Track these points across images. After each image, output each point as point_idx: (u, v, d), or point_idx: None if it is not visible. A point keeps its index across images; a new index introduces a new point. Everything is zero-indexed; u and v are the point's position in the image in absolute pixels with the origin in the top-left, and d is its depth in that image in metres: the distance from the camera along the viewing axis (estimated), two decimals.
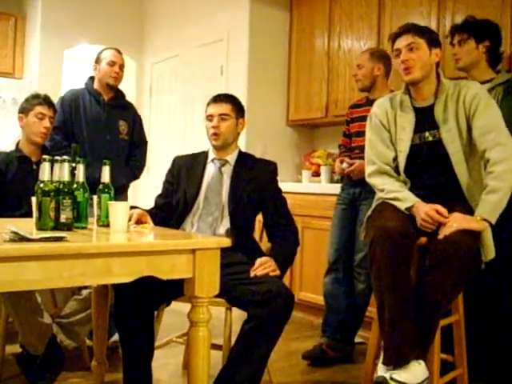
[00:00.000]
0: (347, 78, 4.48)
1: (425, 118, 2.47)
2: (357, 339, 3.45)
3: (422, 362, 2.16)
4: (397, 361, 2.16)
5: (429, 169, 2.48)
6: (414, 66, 2.45)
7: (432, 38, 2.48)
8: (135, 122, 3.66)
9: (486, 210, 2.24)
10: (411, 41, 2.45)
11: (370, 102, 3.30)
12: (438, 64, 2.51)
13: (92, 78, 3.58)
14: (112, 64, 3.48)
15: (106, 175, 2.36)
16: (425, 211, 2.28)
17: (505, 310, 2.85)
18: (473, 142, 2.40)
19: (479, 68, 2.93)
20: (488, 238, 2.32)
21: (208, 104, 2.74)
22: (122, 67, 3.53)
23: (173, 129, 5.88)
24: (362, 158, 3.00)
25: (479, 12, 3.38)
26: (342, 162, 3.35)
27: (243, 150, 2.90)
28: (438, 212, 2.27)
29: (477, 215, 2.24)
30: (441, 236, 2.20)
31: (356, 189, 3.31)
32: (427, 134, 2.46)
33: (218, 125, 2.66)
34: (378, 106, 2.61)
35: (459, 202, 2.38)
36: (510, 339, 2.83)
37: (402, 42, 2.48)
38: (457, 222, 2.20)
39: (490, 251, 2.33)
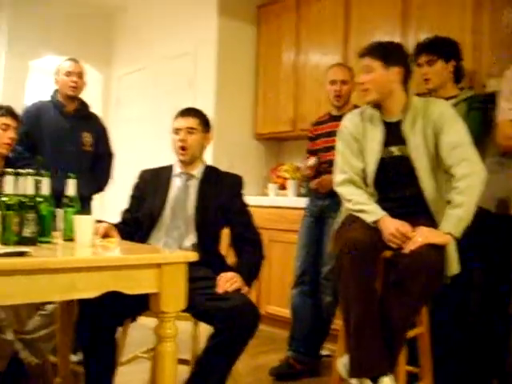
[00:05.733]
0: (314, 92, 4.53)
1: (393, 133, 2.50)
2: (323, 352, 3.46)
3: (390, 376, 2.18)
4: (362, 374, 2.17)
5: (395, 182, 2.51)
6: (370, 89, 2.48)
7: (390, 58, 2.45)
8: (100, 134, 3.65)
9: (451, 225, 2.28)
10: (367, 63, 2.48)
11: (333, 118, 3.34)
12: (406, 80, 2.51)
13: (56, 91, 3.59)
14: (68, 74, 3.50)
15: (71, 188, 2.33)
16: (396, 227, 2.30)
17: (472, 320, 2.91)
18: (439, 158, 2.43)
19: (446, 87, 2.98)
20: (452, 253, 2.35)
21: (175, 118, 2.74)
22: (80, 75, 3.54)
23: (140, 142, 5.85)
24: (329, 172, 3.04)
25: (441, 30, 3.45)
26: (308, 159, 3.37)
27: (210, 163, 2.90)
28: (405, 227, 2.29)
29: (441, 229, 2.28)
30: (406, 250, 2.22)
31: (324, 201, 3.33)
32: (393, 148, 2.49)
33: (185, 138, 2.66)
34: (349, 119, 2.62)
35: (423, 215, 2.42)
36: (475, 349, 2.88)
37: (360, 64, 2.53)
38: (422, 236, 2.23)
39: (454, 266, 2.37)
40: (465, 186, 2.31)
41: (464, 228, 2.30)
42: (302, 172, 3.45)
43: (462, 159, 2.34)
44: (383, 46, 2.53)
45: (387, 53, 2.47)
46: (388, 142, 2.50)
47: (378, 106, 2.53)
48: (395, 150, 2.49)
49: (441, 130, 2.41)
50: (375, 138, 2.50)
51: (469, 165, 2.34)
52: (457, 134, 2.40)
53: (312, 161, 3.34)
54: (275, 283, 4.27)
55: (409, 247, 2.22)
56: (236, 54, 5.01)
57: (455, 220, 2.28)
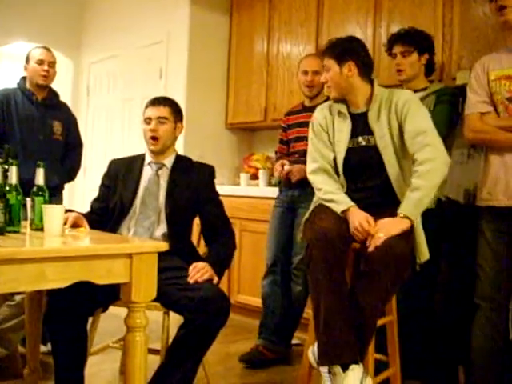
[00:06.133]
0: (286, 82, 4.54)
1: (360, 124, 2.53)
2: (294, 341, 3.49)
3: (360, 364, 2.20)
4: (332, 361, 2.20)
5: (364, 172, 2.54)
6: (331, 87, 2.57)
7: (342, 54, 2.51)
8: (70, 123, 3.61)
9: (408, 207, 2.32)
10: (324, 63, 2.57)
11: (306, 109, 3.36)
12: (365, 71, 2.54)
13: (24, 78, 3.52)
14: (40, 63, 3.43)
15: (40, 177, 2.30)
16: (359, 222, 2.32)
17: (439, 309, 2.97)
18: (405, 147, 2.47)
19: (418, 79, 3.02)
20: (421, 241, 2.41)
21: (146, 107, 2.72)
22: (51, 64, 3.48)
23: (110, 131, 5.80)
24: (301, 162, 3.05)
25: (413, 23, 3.48)
26: (282, 166, 3.37)
27: (181, 152, 2.89)
28: (368, 222, 2.31)
29: (399, 212, 2.32)
30: (371, 249, 2.24)
31: (294, 191, 3.35)
32: (360, 138, 2.53)
33: (156, 128, 2.64)
34: (318, 112, 2.66)
35: (392, 205, 2.45)
36: (442, 338, 2.94)
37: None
38: (383, 230, 2.26)
39: (423, 253, 2.42)
40: (425, 170, 2.34)
41: (421, 211, 2.35)
42: (277, 174, 3.46)
43: (424, 145, 2.37)
44: (335, 43, 2.58)
45: (339, 50, 2.53)
46: (355, 132, 2.53)
47: (343, 99, 2.58)
48: (362, 140, 2.52)
49: (405, 118, 2.44)
50: (343, 129, 2.54)
51: (431, 150, 2.37)
52: (420, 122, 2.43)
53: (286, 168, 3.33)
54: (246, 273, 4.29)
55: (373, 245, 2.24)
56: (208, 44, 4.98)
57: (413, 203, 2.32)
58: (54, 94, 3.57)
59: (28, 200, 2.29)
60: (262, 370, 3.22)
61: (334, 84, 2.54)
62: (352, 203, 2.41)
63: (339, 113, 2.57)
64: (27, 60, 3.48)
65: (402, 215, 2.31)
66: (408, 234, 2.33)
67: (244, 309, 4.25)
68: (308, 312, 2.89)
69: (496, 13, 2.51)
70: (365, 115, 2.53)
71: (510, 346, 2.56)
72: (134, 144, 5.17)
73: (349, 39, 2.62)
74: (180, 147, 4.47)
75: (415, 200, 2.32)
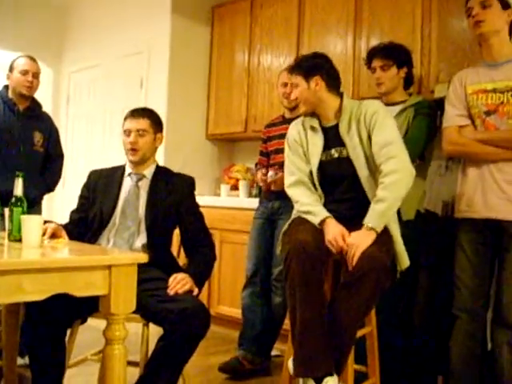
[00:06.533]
0: (267, 93, 4.56)
1: (332, 137, 2.56)
2: (274, 352, 3.49)
3: (335, 376, 2.21)
4: (306, 374, 2.20)
5: (339, 184, 2.56)
6: (300, 102, 2.63)
7: (307, 70, 2.56)
8: (51, 134, 3.57)
9: (372, 219, 2.34)
10: (293, 80, 2.62)
11: (286, 121, 3.38)
12: (332, 85, 2.58)
13: (6, 87, 3.46)
14: (25, 73, 3.38)
15: (18, 188, 2.28)
16: (333, 234, 2.34)
17: (418, 320, 2.99)
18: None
19: (397, 92, 3.06)
20: (401, 249, 2.43)
21: (125, 118, 2.71)
22: (36, 75, 3.43)
23: (91, 141, 5.76)
24: (282, 172, 3.06)
25: (392, 36, 3.54)
26: (265, 173, 3.37)
27: (162, 163, 2.89)
28: (343, 237, 2.33)
29: (364, 223, 2.34)
30: (350, 268, 2.26)
31: (275, 203, 3.36)
32: (333, 151, 2.56)
33: (135, 140, 2.63)
34: (292, 127, 2.70)
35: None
36: (421, 348, 2.96)
37: None
38: (354, 247, 2.27)
39: (403, 260, 2.45)
40: (389, 182, 2.36)
41: (386, 222, 2.37)
42: (259, 182, 3.47)
43: (389, 157, 2.40)
44: (301, 60, 2.64)
45: (305, 66, 2.58)
46: (328, 145, 2.57)
47: (314, 113, 2.62)
48: (335, 152, 2.55)
49: (372, 129, 2.47)
50: (316, 142, 2.58)
51: (395, 162, 2.39)
52: (386, 133, 2.45)
53: (270, 173, 3.33)
54: (226, 284, 4.28)
55: (351, 264, 2.26)
56: (189, 54, 4.99)
57: (377, 215, 2.34)
58: (36, 104, 3.53)
59: (6, 210, 2.27)
60: (242, 381, 3.21)
61: (304, 99, 2.59)
62: (328, 214, 2.43)
63: (311, 127, 2.61)
64: (11, 69, 3.42)
65: (367, 227, 2.33)
66: (388, 245, 2.35)
67: (224, 320, 4.24)
68: (288, 323, 2.89)
69: (472, 27, 2.56)
70: (336, 128, 2.56)
71: (488, 356, 2.59)
72: (114, 154, 5.14)
73: (314, 55, 2.66)
74: (160, 157, 4.47)
75: (379, 211, 2.35)
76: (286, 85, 3.38)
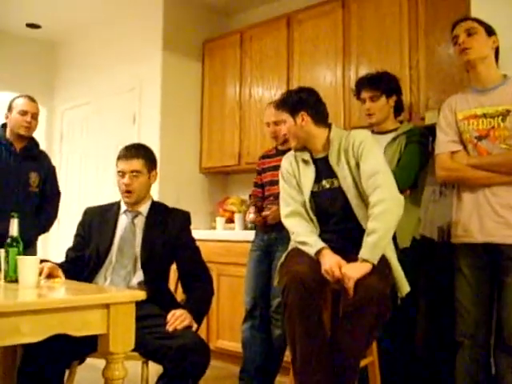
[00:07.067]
0: (259, 126, 4.58)
1: (323, 168, 2.59)
2: None
3: None
4: None
5: (333, 214, 2.57)
6: (289, 138, 2.68)
7: (293, 107, 2.60)
8: (48, 173, 3.55)
9: (366, 251, 2.33)
10: (280, 117, 2.71)
11: (280, 153, 3.37)
12: (317, 118, 2.60)
13: (4, 126, 3.46)
14: (23, 113, 3.38)
15: (14, 228, 2.28)
16: (329, 264, 2.33)
17: (419, 347, 2.97)
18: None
19: (388, 120, 3.08)
20: (400, 275, 2.43)
21: (119, 158, 2.69)
22: (35, 116, 3.43)
23: (85, 177, 5.76)
24: (276, 205, 3.06)
25: (380, 65, 3.57)
26: (255, 211, 3.37)
27: (156, 198, 2.88)
28: (339, 267, 2.32)
29: (359, 256, 2.33)
30: (350, 298, 2.25)
31: (271, 235, 3.34)
32: (324, 182, 2.58)
33: (130, 182, 2.63)
34: (285, 160, 2.73)
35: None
36: (423, 375, 2.94)
37: None
38: (346, 278, 2.26)
39: (403, 286, 2.44)
40: (378, 212, 2.37)
41: (381, 252, 2.35)
42: (249, 220, 3.48)
43: (376, 186, 2.41)
44: (286, 97, 2.69)
45: (289, 102, 2.63)
46: (320, 176, 2.59)
47: (305, 147, 2.65)
48: (326, 183, 2.58)
49: (360, 159, 2.50)
50: (308, 174, 2.61)
51: (382, 191, 2.40)
52: (372, 162, 2.47)
53: (253, 216, 3.35)
54: (225, 317, 4.24)
55: (350, 294, 2.25)
56: (181, 89, 5.03)
57: (370, 247, 2.34)
58: (34, 144, 3.52)
59: (2, 251, 2.26)
60: None
61: (292, 135, 2.63)
62: (324, 245, 2.43)
63: (303, 160, 2.64)
64: (9, 108, 3.42)
65: (361, 259, 2.32)
66: (386, 273, 2.35)
67: (224, 354, 4.19)
68: (289, 355, 2.87)
69: (459, 54, 2.60)
70: (326, 159, 2.59)
71: (492, 381, 2.56)
72: (108, 190, 5.14)
73: (299, 90, 2.70)
74: (155, 192, 4.46)
75: (372, 243, 2.34)
76: (268, 124, 3.36)
